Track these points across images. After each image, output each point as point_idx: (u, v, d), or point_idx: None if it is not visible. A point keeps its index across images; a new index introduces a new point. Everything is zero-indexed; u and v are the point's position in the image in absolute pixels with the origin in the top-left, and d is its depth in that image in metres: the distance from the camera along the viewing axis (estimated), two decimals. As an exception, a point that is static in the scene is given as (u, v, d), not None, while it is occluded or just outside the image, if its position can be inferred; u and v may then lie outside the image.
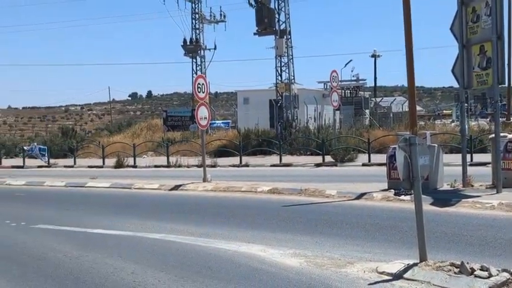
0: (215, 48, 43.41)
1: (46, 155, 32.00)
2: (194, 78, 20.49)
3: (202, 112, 17.34)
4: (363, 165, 22.28)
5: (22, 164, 30.92)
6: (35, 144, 35.15)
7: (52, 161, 31.83)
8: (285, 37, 33.32)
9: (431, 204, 10.90)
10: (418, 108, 42.75)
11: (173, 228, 9.97)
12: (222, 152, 29.39)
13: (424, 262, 6.39)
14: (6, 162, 33.59)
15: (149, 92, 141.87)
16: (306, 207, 12.05)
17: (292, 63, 34.07)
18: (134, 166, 27.49)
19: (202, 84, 17.29)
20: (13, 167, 30.76)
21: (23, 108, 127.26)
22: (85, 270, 7.20)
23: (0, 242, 8.96)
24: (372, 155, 23.11)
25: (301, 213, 11.26)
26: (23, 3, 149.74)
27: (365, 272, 6.55)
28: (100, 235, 9.68)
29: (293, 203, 12.58)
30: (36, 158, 32.14)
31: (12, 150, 40.05)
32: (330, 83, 28.01)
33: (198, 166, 24.04)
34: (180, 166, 25.92)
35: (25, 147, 34.47)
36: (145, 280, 6.55)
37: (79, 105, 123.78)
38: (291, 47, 34.13)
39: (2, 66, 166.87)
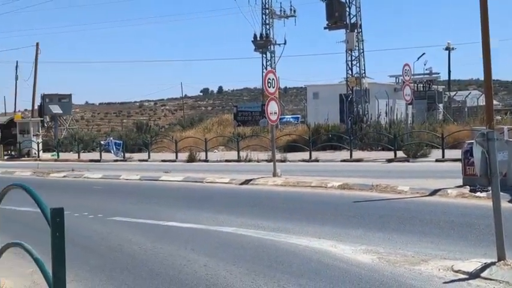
0: (285, 43, 43.49)
1: (121, 149, 33.00)
2: (264, 73, 20.56)
3: (272, 107, 17.40)
4: (437, 161, 21.76)
5: (99, 158, 31.99)
6: (111, 138, 36.33)
7: (127, 155, 32.78)
8: (355, 31, 32.90)
9: (510, 201, 10.52)
10: (494, 102, 41.15)
11: (244, 222, 10.06)
12: (292, 146, 29.37)
13: (502, 261, 6.18)
14: (84, 156, 34.86)
15: (220, 88, 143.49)
16: (377, 203, 11.89)
17: (363, 57, 33.65)
18: (206, 160, 27.92)
19: (273, 79, 17.35)
20: (90, 160, 31.88)
21: (100, 104, 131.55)
22: (159, 262, 7.38)
23: (79, 233, 9.29)
24: (445, 150, 22.53)
25: (372, 209, 11.13)
26: (101, 2, 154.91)
27: (440, 270, 6.40)
28: (174, 228, 9.90)
29: (364, 198, 12.44)
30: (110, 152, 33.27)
31: (90, 145, 41.55)
32: (402, 77, 27.46)
33: (267, 161, 24.13)
34: (250, 161, 26.11)
35: (102, 142, 35.68)
36: (218, 273, 6.65)
37: (153, 100, 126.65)
38: (362, 40, 33.69)
39: (78, 63, 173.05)
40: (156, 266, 7.13)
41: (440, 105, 44.55)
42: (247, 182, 16.64)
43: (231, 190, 15.73)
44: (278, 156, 22.03)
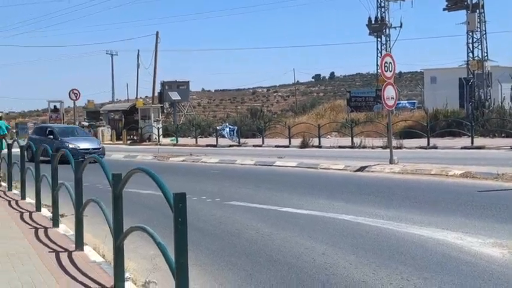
0: (401, 26, 42.21)
1: (236, 134, 33.64)
2: (381, 57, 20.00)
3: (389, 92, 16.87)
4: None
5: (215, 143, 32.78)
6: (227, 124, 37.17)
7: (242, 140, 33.38)
8: (477, 11, 31.25)
9: None
10: None
11: (361, 210, 9.79)
12: (407, 133, 28.52)
13: None
14: (201, 141, 35.89)
15: (332, 73, 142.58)
16: (504, 193, 11.17)
17: (485, 39, 31.94)
18: (319, 146, 27.76)
19: (390, 62, 16.81)
20: (207, 145, 32.75)
21: (215, 90, 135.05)
22: (276, 248, 7.32)
23: (198, 217, 9.46)
24: None
25: (499, 199, 10.48)
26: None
27: None
28: (290, 214, 9.82)
29: (489, 188, 11.76)
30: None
31: (206, 130, 42.80)
32: (530, 59, 25.72)
33: (382, 147, 23.58)
34: (364, 147, 25.63)
35: (218, 127, 36.56)
36: (337, 262, 6.47)
37: (265, 87, 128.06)
38: (484, 21, 31.95)
39: (195, 51, 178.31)
40: (274, 253, 7.07)
41: None
42: (362, 168, 16.30)
43: (346, 177, 15.46)
44: (394, 142, 21.40)
